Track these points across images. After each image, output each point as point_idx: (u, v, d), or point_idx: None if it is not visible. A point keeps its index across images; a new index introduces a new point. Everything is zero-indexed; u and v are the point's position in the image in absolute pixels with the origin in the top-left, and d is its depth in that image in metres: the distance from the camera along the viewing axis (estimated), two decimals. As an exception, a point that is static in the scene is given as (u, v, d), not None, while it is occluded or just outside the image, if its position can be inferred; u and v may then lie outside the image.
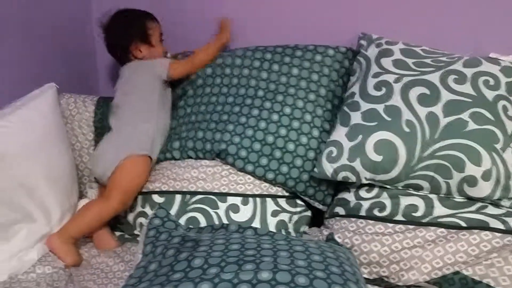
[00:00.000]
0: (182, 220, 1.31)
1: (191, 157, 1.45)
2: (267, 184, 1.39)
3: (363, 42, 1.47)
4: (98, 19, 1.54)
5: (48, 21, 1.61)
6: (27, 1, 1.49)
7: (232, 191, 1.36)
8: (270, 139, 1.38)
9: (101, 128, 1.53)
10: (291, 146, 1.38)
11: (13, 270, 1.16)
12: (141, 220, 1.36)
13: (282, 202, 1.38)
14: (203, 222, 1.30)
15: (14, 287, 1.12)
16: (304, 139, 1.39)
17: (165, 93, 1.52)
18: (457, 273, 1.11)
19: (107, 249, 1.32)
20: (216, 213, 1.32)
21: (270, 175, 1.37)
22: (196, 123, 1.47)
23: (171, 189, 1.37)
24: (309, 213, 1.43)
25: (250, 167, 1.38)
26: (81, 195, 1.50)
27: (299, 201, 1.41)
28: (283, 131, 1.39)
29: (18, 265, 1.18)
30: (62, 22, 1.68)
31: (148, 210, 1.36)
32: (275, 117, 1.40)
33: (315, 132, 1.40)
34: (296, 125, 1.40)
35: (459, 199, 1.22)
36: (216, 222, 1.30)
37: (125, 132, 1.42)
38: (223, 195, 1.35)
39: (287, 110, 1.41)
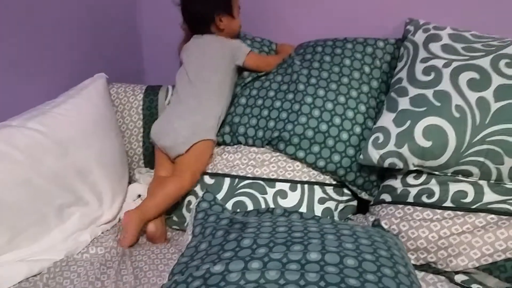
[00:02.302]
0: (230, 204, 1.32)
1: (240, 143, 1.47)
2: (315, 172, 1.39)
3: (410, 27, 1.45)
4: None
5: (99, 17, 1.66)
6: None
7: (280, 177, 1.36)
8: (323, 127, 1.37)
9: (150, 116, 1.57)
10: (344, 136, 1.37)
11: (69, 250, 1.22)
12: (190, 198, 1.38)
13: (330, 190, 1.38)
14: (250, 207, 1.31)
15: (70, 265, 1.17)
16: (358, 129, 1.38)
17: (235, 76, 1.53)
18: (509, 260, 1.08)
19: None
20: (264, 198, 1.33)
21: (321, 163, 1.37)
22: (248, 108, 1.48)
23: (219, 172, 1.39)
24: (355, 202, 1.43)
25: (301, 154, 1.38)
26: (130, 180, 1.54)
27: (346, 190, 1.41)
28: (337, 120, 1.38)
29: (73, 246, 1.24)
30: (112, 17, 1.74)
31: (198, 189, 1.38)
32: (329, 105, 1.39)
33: (370, 123, 1.39)
34: (350, 115, 1.39)
35: (510, 185, 1.19)
36: (263, 207, 1.31)
37: (200, 113, 1.42)
38: (271, 181, 1.35)
39: (342, 99, 1.40)
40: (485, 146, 1.16)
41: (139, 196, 1.47)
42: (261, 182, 1.35)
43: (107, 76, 1.57)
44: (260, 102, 1.47)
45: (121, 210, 1.41)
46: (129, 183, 1.52)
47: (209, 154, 1.43)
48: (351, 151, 1.37)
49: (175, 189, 1.35)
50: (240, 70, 1.55)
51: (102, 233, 1.33)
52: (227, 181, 1.37)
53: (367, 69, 1.45)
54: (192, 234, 1.05)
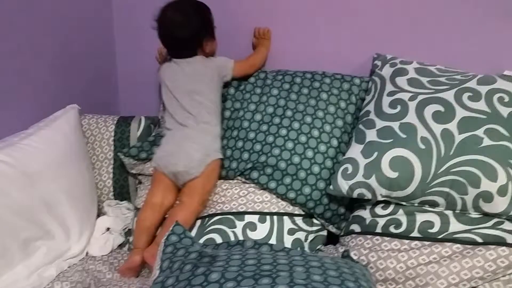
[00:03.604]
0: (200, 242, 1.30)
1: None
2: (284, 203, 1.40)
3: (377, 62, 1.49)
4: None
5: (73, 46, 1.66)
6: (53, 26, 1.55)
7: (249, 210, 1.36)
8: (296, 159, 1.39)
9: (121, 147, 1.56)
10: (316, 169, 1.39)
11: (33, 286, 1.18)
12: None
13: (299, 220, 1.39)
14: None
15: (34, 302, 1.14)
16: (329, 163, 1.40)
17: (221, 93, 1.53)
18: (473, 288, 1.10)
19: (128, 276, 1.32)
20: (233, 232, 1.32)
21: (292, 195, 1.38)
22: (224, 140, 1.49)
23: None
24: (325, 232, 1.43)
25: (273, 184, 1.39)
26: (99, 213, 1.52)
27: (315, 221, 1.42)
28: (310, 153, 1.40)
29: (37, 281, 1.20)
30: (86, 47, 1.74)
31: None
32: (303, 138, 1.41)
33: (340, 157, 1.40)
34: (323, 149, 1.41)
35: (475, 215, 1.22)
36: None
37: (208, 134, 1.42)
38: (240, 214, 1.35)
39: (315, 132, 1.42)
40: (450, 177, 1.19)
41: (108, 229, 1.44)
42: (230, 216, 1.35)
43: (79, 107, 1.56)
44: (235, 133, 1.48)
45: (88, 243, 1.39)
46: (98, 215, 1.49)
47: (217, 173, 1.43)
48: (321, 184, 1.38)
49: (190, 215, 1.34)
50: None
51: (69, 267, 1.30)
52: (197, 222, 1.37)
53: (343, 104, 1.48)
54: (159, 269, 1.03)
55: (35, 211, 1.26)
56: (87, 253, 1.39)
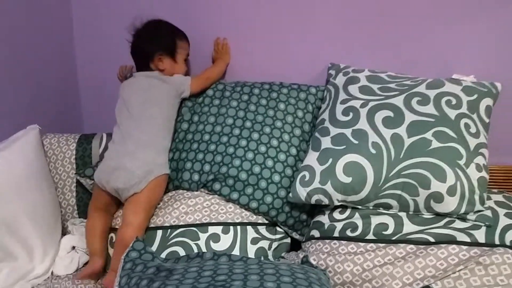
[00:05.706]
0: (163, 255, 1.30)
1: (176, 187, 1.48)
2: (248, 213, 1.42)
3: (332, 71, 1.53)
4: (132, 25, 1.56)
5: (33, 63, 1.66)
6: (12, 42, 1.55)
7: (213, 221, 1.37)
8: (256, 169, 1.42)
9: (83, 165, 1.56)
10: (276, 178, 1.41)
11: (-6, 310, 1.18)
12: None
13: (262, 229, 1.40)
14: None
15: (-5, 326, 1.14)
16: (289, 171, 1.43)
17: (177, 109, 1.56)
18: (427, 287, 1.13)
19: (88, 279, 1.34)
20: (197, 244, 1.32)
21: (254, 204, 1.40)
22: (184, 153, 1.50)
23: (152, 225, 1.38)
24: (288, 240, 1.46)
25: (235, 195, 1.41)
26: (65, 232, 1.52)
27: (278, 229, 1.44)
28: (270, 163, 1.43)
29: (-1, 305, 1.20)
30: (46, 64, 1.74)
31: (128, 245, 1.37)
32: (262, 148, 1.44)
33: (300, 165, 1.42)
34: (282, 158, 1.44)
35: (427, 215, 1.26)
36: (195, 252, 1.31)
37: (151, 149, 1.42)
38: (204, 226, 1.36)
39: (274, 142, 1.46)
40: (401, 180, 1.23)
41: (73, 248, 1.44)
42: (194, 228, 1.35)
43: (40, 128, 1.56)
44: (195, 146, 1.50)
45: (53, 263, 1.39)
46: (63, 235, 1.49)
47: (163, 187, 1.44)
48: (282, 193, 1.41)
49: (138, 233, 1.32)
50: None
51: (33, 287, 1.29)
52: (159, 233, 1.36)
53: (300, 113, 1.52)
54: (118, 285, 1.04)
55: (-3, 234, 1.25)
56: (52, 272, 1.38)
